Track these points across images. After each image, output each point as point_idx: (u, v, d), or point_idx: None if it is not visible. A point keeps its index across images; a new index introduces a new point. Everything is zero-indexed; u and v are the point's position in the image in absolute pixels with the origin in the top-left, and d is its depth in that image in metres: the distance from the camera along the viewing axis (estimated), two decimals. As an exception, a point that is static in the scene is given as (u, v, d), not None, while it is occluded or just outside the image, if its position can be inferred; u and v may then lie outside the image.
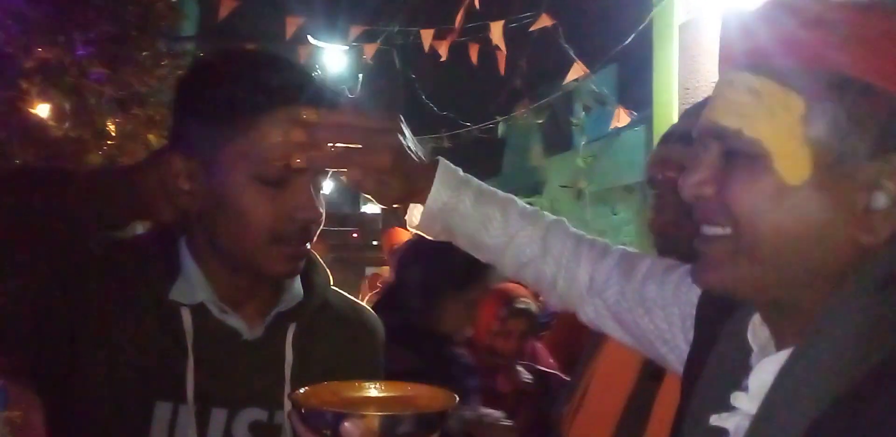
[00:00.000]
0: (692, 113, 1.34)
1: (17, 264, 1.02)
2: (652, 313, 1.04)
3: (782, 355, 0.74)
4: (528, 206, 1.17)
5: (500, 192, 1.15)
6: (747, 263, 0.75)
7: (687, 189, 0.78)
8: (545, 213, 1.17)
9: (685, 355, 0.97)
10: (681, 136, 1.30)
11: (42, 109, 3.05)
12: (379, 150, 1.05)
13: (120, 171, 1.14)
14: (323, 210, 1.11)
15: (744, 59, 0.75)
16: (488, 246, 1.13)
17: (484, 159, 11.56)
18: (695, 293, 0.99)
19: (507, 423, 1.51)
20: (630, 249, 1.15)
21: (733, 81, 0.76)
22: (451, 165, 1.11)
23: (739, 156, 0.74)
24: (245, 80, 1.06)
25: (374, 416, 0.74)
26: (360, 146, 1.04)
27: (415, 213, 1.14)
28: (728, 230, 0.76)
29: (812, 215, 0.72)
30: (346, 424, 0.73)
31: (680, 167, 1.23)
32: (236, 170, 1.05)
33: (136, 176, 1.08)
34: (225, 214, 1.07)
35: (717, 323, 0.88)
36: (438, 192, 1.08)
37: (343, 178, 1.11)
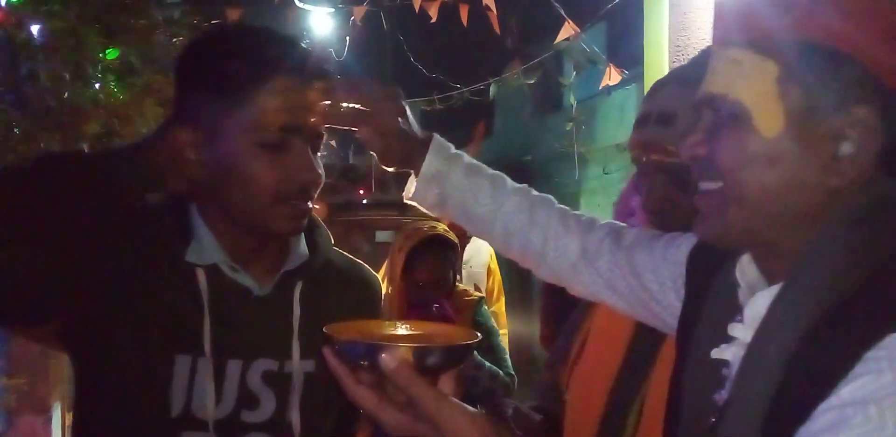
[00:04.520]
0: (656, 93, 1.39)
1: (46, 243, 1.09)
2: (642, 277, 1.13)
3: (774, 289, 0.84)
4: (515, 183, 1.27)
5: (489, 169, 1.27)
6: (736, 211, 0.85)
7: (683, 151, 0.89)
8: (532, 189, 1.27)
9: (678, 312, 1.06)
10: (657, 118, 1.34)
11: (41, 80, 3.08)
12: (387, 113, 1.18)
13: (130, 148, 1.21)
14: (322, 172, 1.20)
15: (730, 36, 0.86)
16: (478, 215, 1.24)
17: (475, 121, 11.53)
18: (682, 253, 1.09)
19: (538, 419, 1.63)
20: (615, 222, 1.25)
21: (720, 55, 0.87)
22: (444, 140, 1.23)
23: (725, 117, 0.85)
24: (241, 53, 1.14)
25: (409, 347, 0.80)
26: (368, 109, 1.14)
27: (411, 186, 1.25)
28: (719, 184, 0.86)
29: (788, 163, 0.82)
30: (383, 355, 0.79)
31: (660, 149, 1.28)
32: (238, 138, 1.14)
33: (145, 151, 1.16)
34: (231, 180, 1.15)
35: (707, 275, 0.98)
36: (432, 159, 1.21)
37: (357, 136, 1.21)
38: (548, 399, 1.67)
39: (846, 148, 0.80)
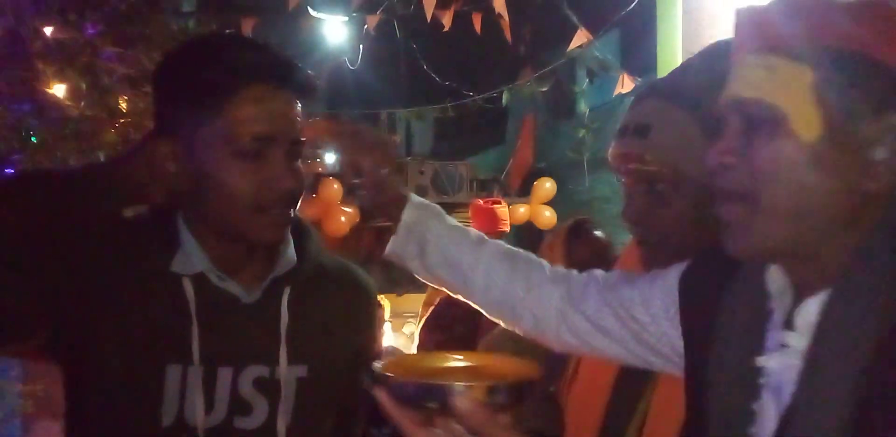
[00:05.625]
0: (637, 105, 1.38)
1: (26, 260, 1.10)
2: (632, 310, 1.12)
3: (822, 296, 0.84)
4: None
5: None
6: (771, 220, 0.84)
7: (712, 158, 0.88)
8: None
9: (673, 340, 1.06)
10: (634, 129, 1.34)
11: (58, 89, 3.10)
12: (389, 157, 1.23)
13: (111, 162, 1.24)
14: (303, 179, 1.20)
15: (758, 43, 0.86)
16: (459, 262, 1.23)
17: (488, 129, 11.54)
18: (672, 280, 1.08)
19: None
20: (594, 270, 1.23)
21: (748, 61, 0.86)
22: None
23: (760, 122, 0.84)
24: (211, 63, 1.15)
25: (483, 386, 0.75)
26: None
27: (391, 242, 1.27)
28: (751, 192, 0.84)
29: (825, 168, 0.82)
30: (456, 396, 0.73)
31: (639, 159, 1.29)
32: (214, 149, 1.15)
33: (126, 165, 1.18)
34: (210, 190, 1.16)
35: (710, 291, 0.98)
36: (412, 207, 1.24)
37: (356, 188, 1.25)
38: (547, 419, 1.67)
39: (881, 153, 0.81)
